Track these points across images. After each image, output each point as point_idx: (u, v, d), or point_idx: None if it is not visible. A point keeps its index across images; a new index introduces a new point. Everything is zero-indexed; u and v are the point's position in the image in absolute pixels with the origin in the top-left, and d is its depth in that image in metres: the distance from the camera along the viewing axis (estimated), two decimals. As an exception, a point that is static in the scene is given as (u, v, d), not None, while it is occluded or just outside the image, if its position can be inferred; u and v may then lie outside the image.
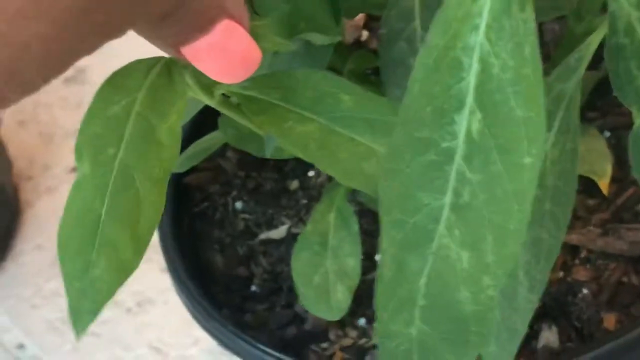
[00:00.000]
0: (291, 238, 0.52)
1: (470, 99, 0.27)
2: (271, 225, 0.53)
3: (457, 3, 0.28)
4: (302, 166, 0.54)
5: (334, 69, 0.43)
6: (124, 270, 0.30)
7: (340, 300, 0.43)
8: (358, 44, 0.57)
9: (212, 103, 0.34)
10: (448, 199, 0.28)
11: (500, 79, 0.27)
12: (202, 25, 0.26)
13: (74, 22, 0.20)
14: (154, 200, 0.31)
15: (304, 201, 0.53)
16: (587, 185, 0.46)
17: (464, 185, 0.27)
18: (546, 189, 0.37)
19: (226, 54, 0.27)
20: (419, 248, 0.28)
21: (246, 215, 0.54)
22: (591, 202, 0.47)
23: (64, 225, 0.31)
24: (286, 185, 0.54)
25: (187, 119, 0.51)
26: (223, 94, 0.34)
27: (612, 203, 0.47)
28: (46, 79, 0.21)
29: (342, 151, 0.32)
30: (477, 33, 0.27)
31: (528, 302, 0.36)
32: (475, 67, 0.27)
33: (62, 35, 0.20)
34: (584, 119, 0.49)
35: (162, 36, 0.26)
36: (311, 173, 0.54)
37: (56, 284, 0.70)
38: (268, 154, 0.38)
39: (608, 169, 0.44)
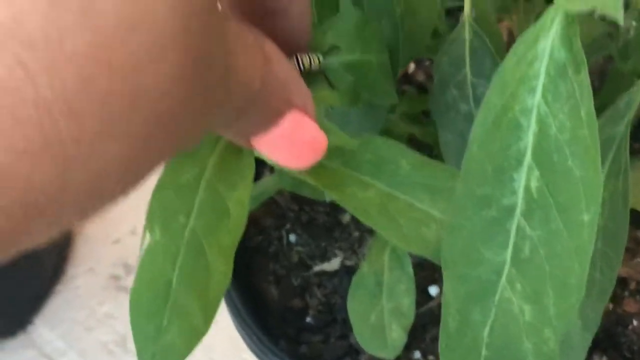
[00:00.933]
0: (344, 270, 0.53)
1: (528, 158, 0.29)
2: (324, 257, 0.55)
3: (514, 65, 0.29)
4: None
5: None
6: (194, 335, 0.31)
7: (395, 339, 0.44)
8: (405, 77, 0.59)
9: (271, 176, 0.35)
10: (509, 253, 0.29)
11: (558, 139, 0.28)
12: (271, 119, 0.27)
13: (151, 140, 0.21)
14: (223, 268, 0.32)
15: (356, 234, 0.55)
16: (635, 218, 0.46)
17: (524, 241, 0.29)
18: (598, 229, 0.38)
19: (294, 143, 0.28)
20: (482, 300, 0.29)
21: (300, 248, 0.55)
22: (639, 234, 0.48)
23: (136, 290, 0.32)
24: (338, 218, 0.56)
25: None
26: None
27: (661, 236, 0.48)
28: (125, 192, 0.22)
29: (401, 217, 0.33)
30: (534, 95, 0.28)
31: (583, 340, 0.37)
32: (533, 127, 0.28)
33: (140, 154, 0.21)
34: (631, 150, 0.50)
35: (234, 131, 0.28)
36: (363, 206, 0.55)
37: (109, 306, 0.72)
38: (329, 198, 0.40)
39: (655, 202, 0.45)
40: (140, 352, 0.32)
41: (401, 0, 0.39)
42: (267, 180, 0.47)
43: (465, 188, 0.30)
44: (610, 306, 0.46)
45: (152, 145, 0.21)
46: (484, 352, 0.29)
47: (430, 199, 0.33)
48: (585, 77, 0.28)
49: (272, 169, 0.53)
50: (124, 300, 0.73)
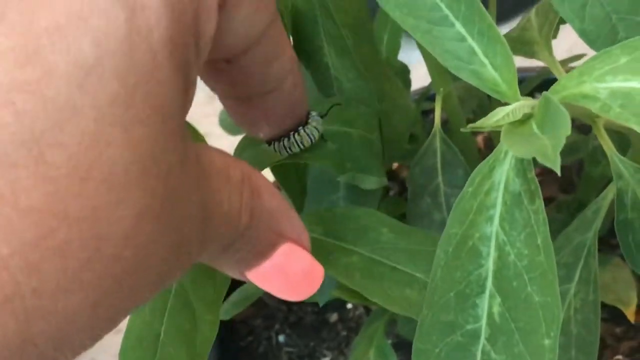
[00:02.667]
0: (333, 370, 0.54)
1: (489, 284, 0.29)
2: (313, 357, 0.55)
3: (472, 195, 0.30)
4: (340, 299, 0.56)
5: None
6: None
7: None
8: (390, 172, 0.60)
9: None
10: (476, 378, 0.30)
11: (517, 266, 0.29)
12: (262, 252, 0.27)
13: (120, 286, 0.20)
14: (210, 320, 0.32)
15: (344, 333, 0.55)
16: (614, 314, 0.47)
17: (490, 365, 0.29)
18: (571, 337, 0.39)
19: (288, 274, 0.28)
20: None
21: (289, 348, 0.56)
22: (618, 330, 0.49)
23: (125, 346, 0.32)
24: (326, 317, 0.56)
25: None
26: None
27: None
28: (96, 339, 0.21)
29: (385, 280, 0.34)
30: (492, 223, 0.29)
31: None
32: (492, 254, 0.29)
33: (109, 301, 0.20)
34: (609, 246, 0.51)
35: (225, 265, 0.27)
36: (349, 305, 0.56)
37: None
38: (322, 302, 0.40)
39: (633, 298, 0.46)
40: None
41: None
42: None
43: (431, 314, 0.31)
44: (594, 403, 0.47)
45: (122, 291, 0.21)
46: None
47: (412, 262, 0.34)
48: (540, 205, 0.29)
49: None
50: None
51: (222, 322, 0.56)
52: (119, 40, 0.20)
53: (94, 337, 0.21)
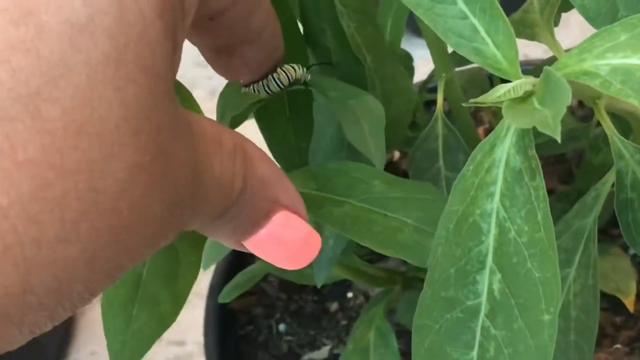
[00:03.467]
0: (333, 359, 0.54)
1: (490, 261, 0.30)
2: (314, 346, 0.55)
3: (473, 172, 0.30)
4: (341, 288, 0.56)
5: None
6: (163, 322, 0.33)
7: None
8: (390, 164, 0.60)
9: None
10: (475, 353, 0.30)
11: (517, 242, 0.29)
12: (257, 220, 0.27)
13: (116, 240, 0.21)
14: (192, 260, 0.33)
15: (344, 322, 0.56)
16: (613, 303, 0.47)
17: (489, 341, 0.30)
18: (570, 321, 0.39)
19: (285, 243, 0.28)
20: (451, 400, 0.30)
21: (289, 337, 0.56)
22: (617, 319, 0.49)
23: (107, 289, 0.33)
24: (326, 307, 0.57)
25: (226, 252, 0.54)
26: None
27: (639, 320, 0.49)
28: (94, 293, 0.22)
29: (376, 225, 0.34)
30: (493, 200, 0.30)
31: None
32: (493, 231, 0.30)
33: (106, 254, 0.21)
34: (609, 236, 0.51)
35: (221, 233, 0.28)
36: (350, 294, 0.56)
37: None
38: (319, 283, 0.41)
39: (633, 287, 0.46)
40: (110, 343, 0.33)
41: (378, 92, 0.41)
42: (254, 267, 0.48)
43: (431, 291, 0.31)
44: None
45: (118, 245, 0.21)
46: None
47: (403, 209, 0.34)
48: (540, 182, 0.29)
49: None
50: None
51: (222, 310, 0.57)
52: (109, 0, 0.20)
53: (92, 290, 0.21)
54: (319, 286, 0.42)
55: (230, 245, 0.29)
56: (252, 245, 0.28)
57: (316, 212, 0.35)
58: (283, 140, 0.39)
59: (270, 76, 0.34)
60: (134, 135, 0.21)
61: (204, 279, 0.67)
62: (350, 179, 0.36)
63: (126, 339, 0.33)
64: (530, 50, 0.51)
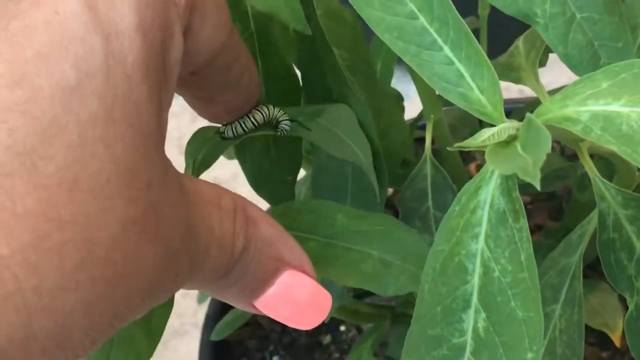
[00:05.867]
0: (325, 391, 0.55)
1: (475, 299, 0.30)
2: (306, 378, 0.56)
3: (458, 213, 0.31)
4: (334, 321, 0.57)
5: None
6: None
7: None
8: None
9: None
10: (461, 390, 0.30)
11: (501, 282, 0.30)
12: (264, 280, 0.28)
13: (113, 289, 0.22)
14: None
15: (336, 355, 0.56)
16: (601, 338, 0.48)
17: (474, 379, 0.30)
18: (556, 357, 0.39)
19: (294, 302, 0.29)
20: None
21: (282, 370, 0.57)
22: (604, 354, 0.50)
23: None
24: (319, 339, 0.57)
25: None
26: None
27: (625, 355, 0.49)
28: (95, 342, 0.22)
29: (340, 259, 0.35)
30: (478, 241, 0.30)
31: None
32: (478, 271, 0.30)
33: (104, 303, 0.22)
34: (597, 273, 0.52)
35: (229, 294, 0.28)
36: (342, 328, 0.57)
37: None
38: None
39: (620, 323, 0.47)
40: None
41: (373, 126, 0.42)
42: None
43: (419, 328, 0.32)
44: None
45: (115, 294, 0.22)
46: None
47: (366, 242, 0.35)
48: (524, 223, 0.30)
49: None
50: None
51: (216, 342, 0.58)
52: (96, 64, 0.22)
53: (92, 338, 0.22)
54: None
55: (241, 307, 0.29)
56: (262, 305, 0.28)
57: None
58: (267, 175, 0.40)
59: (245, 116, 0.35)
60: (124, 189, 0.22)
61: (202, 310, 0.68)
62: (314, 216, 0.36)
63: None
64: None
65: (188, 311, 0.81)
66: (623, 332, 0.47)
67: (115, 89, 0.22)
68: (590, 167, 0.33)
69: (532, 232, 0.55)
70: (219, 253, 0.26)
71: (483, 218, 0.30)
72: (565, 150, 0.57)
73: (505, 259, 0.30)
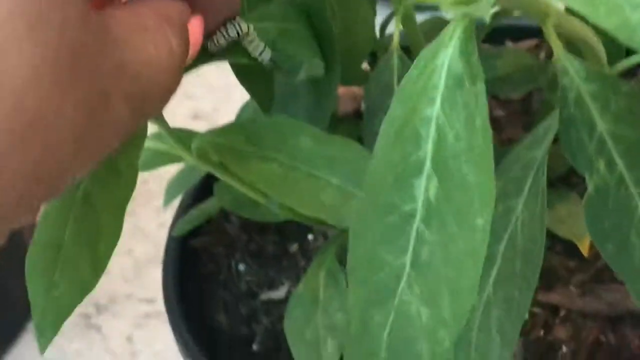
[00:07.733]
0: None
1: (428, 166, 0.30)
2: (272, 286, 0.55)
3: (415, 78, 0.30)
4: (302, 230, 0.56)
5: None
6: (83, 288, 0.33)
7: (331, 353, 0.45)
8: (357, 113, 0.60)
9: (190, 158, 0.37)
10: (408, 258, 0.30)
11: (455, 147, 0.29)
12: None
13: (31, 139, 0.21)
14: (114, 225, 0.33)
15: (303, 263, 0.56)
16: (568, 247, 0.47)
17: (422, 245, 0.30)
18: (517, 250, 0.39)
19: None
20: (383, 304, 0.30)
21: (248, 277, 0.56)
22: (571, 263, 0.49)
23: (32, 252, 0.34)
24: (286, 248, 0.57)
25: (187, 187, 0.55)
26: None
27: (592, 265, 0.49)
28: (24, 203, 0.22)
29: (301, 184, 0.35)
30: (434, 105, 0.30)
31: (501, 357, 0.38)
32: (432, 136, 0.30)
33: (20, 156, 0.21)
34: (568, 184, 0.51)
35: None
36: (310, 237, 0.56)
37: (79, 344, 0.73)
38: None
39: (587, 231, 0.46)
40: (34, 308, 0.33)
41: (338, 18, 0.41)
42: (208, 203, 0.49)
43: (369, 196, 0.31)
44: (542, 332, 0.47)
45: (35, 145, 0.21)
46: (383, 354, 0.30)
47: (328, 167, 0.35)
48: (481, 88, 0.29)
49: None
50: (94, 339, 0.73)
51: (183, 248, 0.57)
52: None
53: (21, 200, 0.22)
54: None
55: None
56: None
57: (242, 167, 0.35)
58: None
59: (219, 30, 0.34)
60: (32, 30, 0.21)
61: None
62: (279, 134, 0.36)
63: (48, 304, 0.33)
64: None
65: (164, 240, 0.81)
66: (591, 242, 0.47)
67: None
68: (555, 43, 0.32)
69: (504, 144, 0.54)
70: (156, 72, 0.26)
71: (440, 82, 0.30)
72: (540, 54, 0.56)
73: (460, 124, 0.29)
